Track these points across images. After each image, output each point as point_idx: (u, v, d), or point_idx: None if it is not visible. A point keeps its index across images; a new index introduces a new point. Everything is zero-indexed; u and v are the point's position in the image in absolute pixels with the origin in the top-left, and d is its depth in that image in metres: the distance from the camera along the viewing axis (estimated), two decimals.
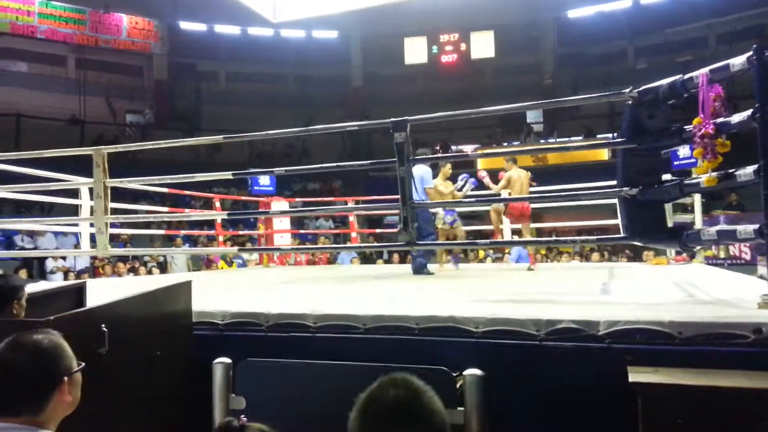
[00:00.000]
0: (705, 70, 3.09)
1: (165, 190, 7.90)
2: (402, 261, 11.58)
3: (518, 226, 7.32)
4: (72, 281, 7.22)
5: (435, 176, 6.85)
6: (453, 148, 20.18)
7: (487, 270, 7.97)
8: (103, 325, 2.50)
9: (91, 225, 5.53)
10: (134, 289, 3.02)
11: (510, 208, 7.00)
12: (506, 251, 10.44)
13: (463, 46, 24.19)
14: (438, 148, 20.19)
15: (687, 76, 3.18)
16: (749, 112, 2.91)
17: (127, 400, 2.62)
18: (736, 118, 3.00)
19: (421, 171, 6.45)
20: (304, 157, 21.36)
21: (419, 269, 6.41)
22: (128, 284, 5.68)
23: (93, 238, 5.42)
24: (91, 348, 2.40)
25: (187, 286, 3.15)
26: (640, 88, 3.31)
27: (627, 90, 3.36)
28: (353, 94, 25.14)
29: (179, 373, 3.01)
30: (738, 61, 2.95)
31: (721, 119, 3.02)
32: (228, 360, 2.70)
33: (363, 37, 24.98)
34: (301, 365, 2.68)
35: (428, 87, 24.61)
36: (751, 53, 2.86)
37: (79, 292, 3.43)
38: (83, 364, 1.73)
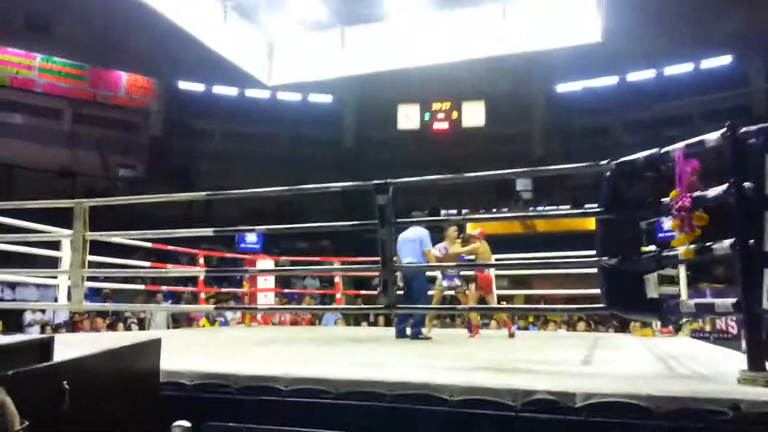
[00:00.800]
0: (681, 144, 3.14)
1: (149, 245, 7.86)
2: (387, 324, 11.42)
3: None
4: (37, 335, 7.04)
5: (438, 240, 6.91)
6: (443, 212, 20.32)
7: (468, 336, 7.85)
8: (65, 382, 2.41)
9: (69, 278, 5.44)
10: (106, 345, 2.93)
11: (481, 281, 6.86)
12: (494, 317, 10.37)
13: (454, 114, 24.80)
14: (426, 212, 20.36)
15: (664, 150, 3.23)
16: (725, 186, 2.94)
17: None
18: (711, 192, 3.03)
19: (421, 233, 6.49)
20: (298, 216, 21.40)
21: (415, 335, 6.28)
22: (102, 340, 5.54)
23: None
24: (52, 405, 2.31)
25: (156, 344, 3.06)
26: (619, 160, 3.36)
27: (606, 161, 3.41)
28: (346, 156, 25.51)
29: None
30: (712, 137, 3.01)
31: (697, 193, 3.05)
32: (187, 424, 2.60)
33: (357, 101, 25.58)
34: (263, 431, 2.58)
35: (420, 152, 25.03)
36: (724, 130, 2.92)
37: (45, 346, 3.33)
38: (26, 423, 1.64)
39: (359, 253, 10.07)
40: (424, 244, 6.45)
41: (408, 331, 6.36)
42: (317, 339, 6.45)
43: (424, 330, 6.42)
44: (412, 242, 6.43)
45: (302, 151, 25.44)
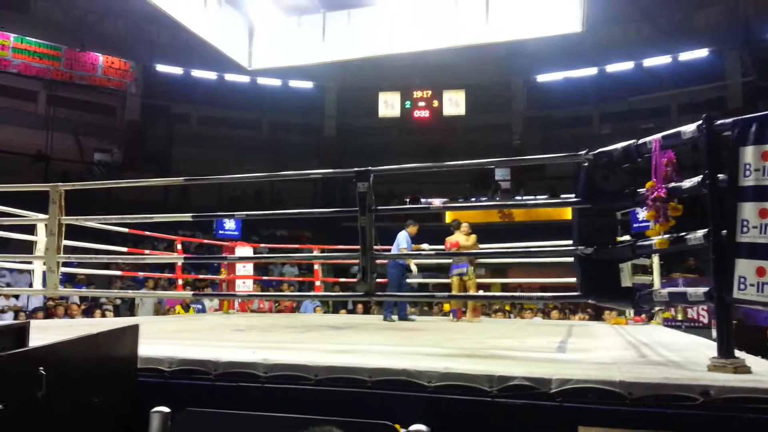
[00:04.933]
0: (658, 135, 3.19)
1: (126, 230, 7.75)
2: (366, 311, 11.47)
3: None
4: (11, 321, 6.94)
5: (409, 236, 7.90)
6: (422, 200, 20.37)
7: (448, 323, 7.94)
8: (41, 368, 2.39)
9: (45, 263, 5.37)
10: (82, 331, 2.90)
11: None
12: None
13: (435, 103, 24.80)
14: (408, 200, 20.38)
15: (641, 141, 3.28)
16: (699, 178, 3.00)
17: None
18: (687, 183, 3.09)
19: (398, 238, 7.89)
20: (277, 204, 21.30)
21: (403, 316, 7.74)
22: (78, 326, 5.48)
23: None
24: (28, 391, 2.29)
25: (133, 330, 3.05)
26: (596, 151, 3.40)
27: (583, 152, 3.45)
28: (326, 143, 25.40)
29: (120, 421, 2.87)
30: (689, 129, 3.06)
31: (672, 184, 3.10)
32: (166, 409, 2.59)
33: (338, 88, 25.45)
34: (242, 417, 2.58)
35: (400, 140, 25.05)
36: (700, 122, 2.97)
37: (21, 332, 3.29)
38: (1, 407, 1.64)
39: (338, 241, 10.07)
40: (400, 243, 7.78)
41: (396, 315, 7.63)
42: (296, 326, 6.46)
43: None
44: (396, 244, 7.88)
45: (282, 137, 25.27)
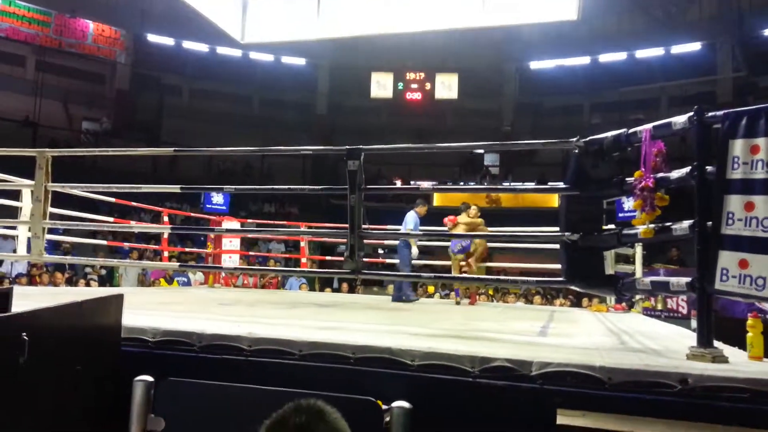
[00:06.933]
0: (649, 125, 3.21)
1: (112, 199, 7.68)
2: (351, 290, 11.51)
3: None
4: None
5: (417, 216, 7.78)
6: (411, 183, 20.38)
7: (434, 304, 8.00)
8: (24, 334, 2.38)
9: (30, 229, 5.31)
10: (66, 299, 2.89)
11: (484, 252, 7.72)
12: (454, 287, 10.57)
13: (427, 86, 24.67)
14: (398, 182, 20.41)
15: (631, 130, 3.29)
16: (688, 169, 3.02)
17: (43, 414, 2.49)
18: (675, 174, 3.11)
19: (406, 218, 7.64)
20: (267, 180, 21.20)
21: (406, 298, 7.48)
22: (62, 294, 5.46)
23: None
24: (10, 356, 2.28)
25: (118, 299, 3.04)
26: (587, 138, 3.41)
27: (574, 139, 3.47)
28: (317, 121, 25.24)
29: (102, 389, 2.88)
30: (680, 120, 3.08)
31: (661, 174, 3.12)
32: (150, 378, 2.60)
33: (331, 66, 25.24)
34: (225, 388, 2.59)
35: (392, 121, 24.94)
36: (692, 114, 2.99)
37: (3, 297, 3.27)
38: None
39: (325, 219, 10.08)
40: (407, 224, 7.54)
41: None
42: (281, 302, 6.48)
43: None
44: (404, 224, 7.60)
45: (273, 113, 25.07)
